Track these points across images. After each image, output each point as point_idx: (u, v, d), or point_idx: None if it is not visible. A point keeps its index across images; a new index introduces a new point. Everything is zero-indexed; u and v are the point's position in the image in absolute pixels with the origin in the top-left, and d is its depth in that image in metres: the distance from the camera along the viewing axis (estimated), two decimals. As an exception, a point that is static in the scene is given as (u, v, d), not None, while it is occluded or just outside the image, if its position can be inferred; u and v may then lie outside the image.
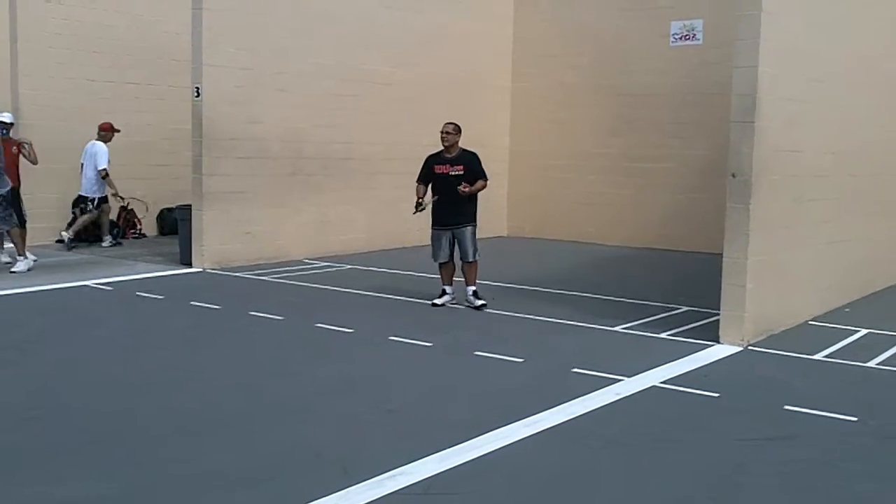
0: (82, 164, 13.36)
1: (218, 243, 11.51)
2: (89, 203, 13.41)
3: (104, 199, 13.55)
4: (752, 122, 7.27)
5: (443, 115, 14.23)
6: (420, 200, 9.06)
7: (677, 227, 14.02)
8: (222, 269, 11.32)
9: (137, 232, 14.66)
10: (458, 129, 9.03)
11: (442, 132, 9.06)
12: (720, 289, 7.55)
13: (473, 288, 9.11)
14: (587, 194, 14.96)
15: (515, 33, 15.84)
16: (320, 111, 12.60)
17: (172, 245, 12.75)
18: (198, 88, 11.24)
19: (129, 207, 14.59)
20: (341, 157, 12.96)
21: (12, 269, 10.93)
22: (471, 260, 9.07)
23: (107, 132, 13.39)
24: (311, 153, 12.56)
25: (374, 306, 9.28)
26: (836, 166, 8.86)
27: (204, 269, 11.32)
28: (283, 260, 12.13)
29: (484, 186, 9.11)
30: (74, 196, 13.70)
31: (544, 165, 15.37)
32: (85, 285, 10.07)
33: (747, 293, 7.40)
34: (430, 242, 9.29)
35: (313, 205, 12.65)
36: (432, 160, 9.15)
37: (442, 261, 9.14)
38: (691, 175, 13.95)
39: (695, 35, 13.83)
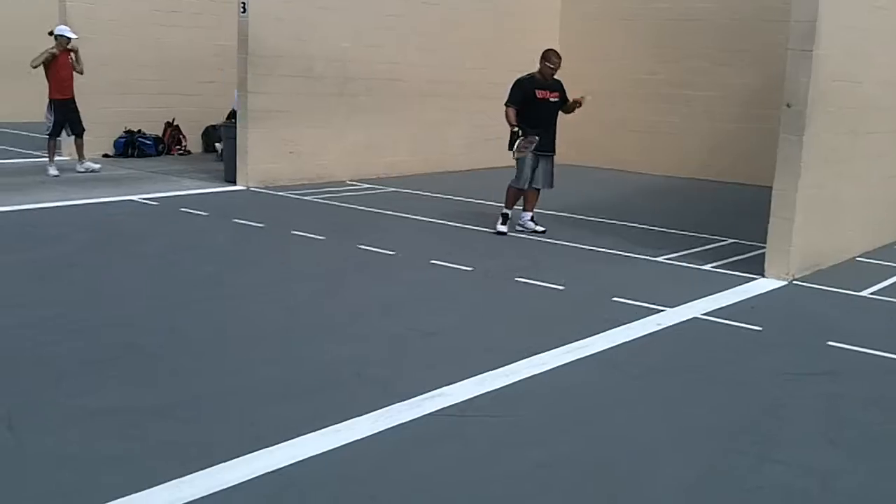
0: None
1: (262, 162, 11.54)
2: None
3: None
4: (811, 51, 7.03)
5: (489, 38, 14.17)
6: (518, 129, 8.64)
7: (723, 157, 13.77)
8: (266, 188, 11.38)
9: (183, 148, 14.75)
10: (561, 58, 8.86)
11: (550, 64, 8.76)
12: (766, 222, 7.43)
13: (532, 213, 9.12)
14: (631, 121, 14.70)
15: (566, -45, 15.43)
16: (365, 31, 12.45)
17: (217, 162, 12.83)
18: (244, 4, 11.14)
19: (175, 123, 14.67)
20: (386, 78, 12.83)
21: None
22: (550, 187, 9.05)
23: None
24: (356, 73, 12.44)
25: (417, 229, 9.28)
26: (894, 98, 8.59)
27: (248, 187, 11.38)
28: (327, 180, 12.14)
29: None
30: (120, 109, 13.85)
31: (589, 91, 15.04)
32: (131, 199, 10.19)
33: (795, 226, 7.27)
34: (512, 164, 8.95)
35: (358, 126, 12.59)
36: (531, 84, 8.80)
37: (527, 186, 8.97)
38: (740, 104, 13.63)
39: (753, -42, 13.34)
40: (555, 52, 8.89)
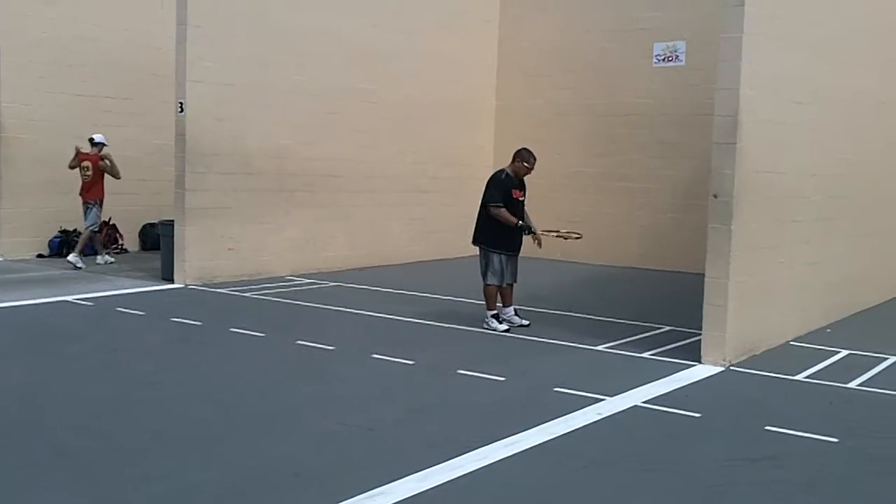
0: None
1: (200, 259, 11.45)
2: None
3: None
4: (734, 144, 7.31)
5: (427, 134, 14.43)
6: (522, 223, 8.71)
7: (660, 246, 14.07)
8: (204, 285, 11.26)
9: (119, 247, 14.57)
10: (536, 158, 8.91)
11: (528, 165, 8.81)
12: (702, 309, 7.57)
13: (515, 307, 9.11)
14: (570, 213, 14.92)
15: (500, 53, 15.90)
16: (304, 128, 12.59)
17: (154, 260, 12.68)
18: (181, 104, 11.20)
19: (112, 222, 14.53)
20: (325, 174, 12.94)
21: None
22: (516, 281, 9.09)
23: None
24: (295, 170, 12.52)
25: (357, 323, 9.24)
26: (817, 188, 8.92)
27: (186, 284, 11.25)
28: (267, 276, 12.07)
29: None
30: (55, 209, 13.66)
31: (527, 184, 15.36)
32: (65, 300, 9.99)
33: (728, 313, 7.42)
34: (479, 260, 8.96)
35: (297, 221, 12.61)
36: (509, 184, 8.79)
37: (507, 282, 8.94)
38: (674, 195, 14.02)
39: (677, 56, 13.93)
40: (531, 153, 8.88)
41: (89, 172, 12.87)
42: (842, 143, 9.51)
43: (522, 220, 8.89)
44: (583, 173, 14.85)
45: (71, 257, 12.72)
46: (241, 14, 11.65)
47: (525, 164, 8.87)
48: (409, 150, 14.21)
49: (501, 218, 8.71)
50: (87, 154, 12.90)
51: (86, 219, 13.02)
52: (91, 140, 12.97)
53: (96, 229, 13.17)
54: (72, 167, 12.90)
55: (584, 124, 14.88)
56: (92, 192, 12.93)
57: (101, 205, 13.04)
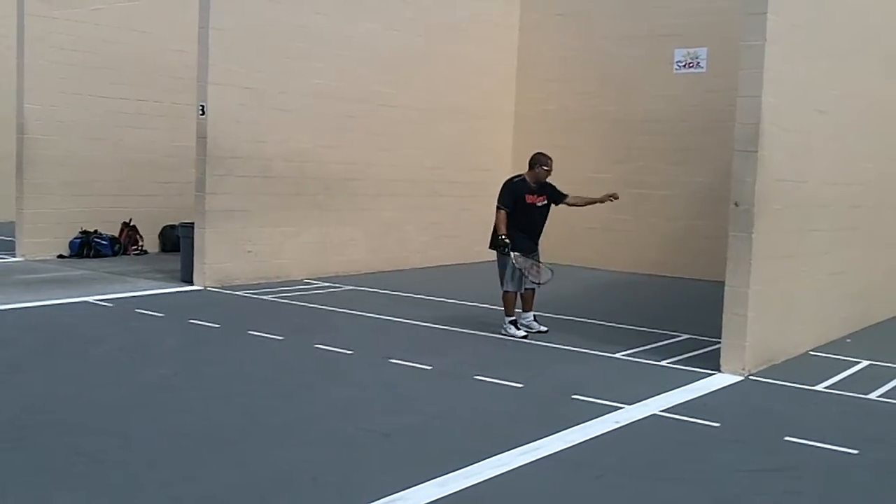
0: None
1: (219, 261, 11.50)
2: None
3: None
4: (755, 152, 7.28)
5: (444, 139, 14.45)
6: (506, 239, 8.61)
7: (678, 253, 14.01)
8: (223, 288, 11.30)
9: (139, 248, 14.67)
10: (552, 159, 8.91)
11: (545, 167, 8.81)
12: (721, 317, 7.53)
13: (535, 314, 9.09)
14: (588, 219, 14.85)
15: (520, 59, 15.87)
16: (323, 131, 12.62)
17: (174, 262, 12.76)
18: (203, 107, 11.26)
19: (132, 223, 14.62)
20: (343, 177, 12.97)
21: None
22: (539, 285, 9.02)
23: None
24: (314, 173, 12.56)
25: (374, 328, 9.25)
26: (838, 197, 8.87)
27: (205, 287, 11.30)
28: (284, 279, 12.11)
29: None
30: (76, 210, 13.75)
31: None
32: (85, 301, 10.06)
33: (748, 322, 7.38)
34: (495, 265, 8.90)
35: (315, 225, 12.64)
36: (522, 188, 8.78)
37: (526, 287, 8.92)
38: (693, 202, 13.96)
39: (698, 63, 13.88)
40: (546, 154, 8.89)
41: None
42: (864, 152, 9.46)
43: (538, 226, 8.91)
44: (601, 179, 14.74)
45: None
46: (262, 18, 11.70)
47: (544, 167, 8.87)
48: (426, 154, 14.22)
49: (496, 220, 8.75)
50: None
51: None
52: None
53: None
54: None
55: (602, 130, 14.84)
56: None
57: None
